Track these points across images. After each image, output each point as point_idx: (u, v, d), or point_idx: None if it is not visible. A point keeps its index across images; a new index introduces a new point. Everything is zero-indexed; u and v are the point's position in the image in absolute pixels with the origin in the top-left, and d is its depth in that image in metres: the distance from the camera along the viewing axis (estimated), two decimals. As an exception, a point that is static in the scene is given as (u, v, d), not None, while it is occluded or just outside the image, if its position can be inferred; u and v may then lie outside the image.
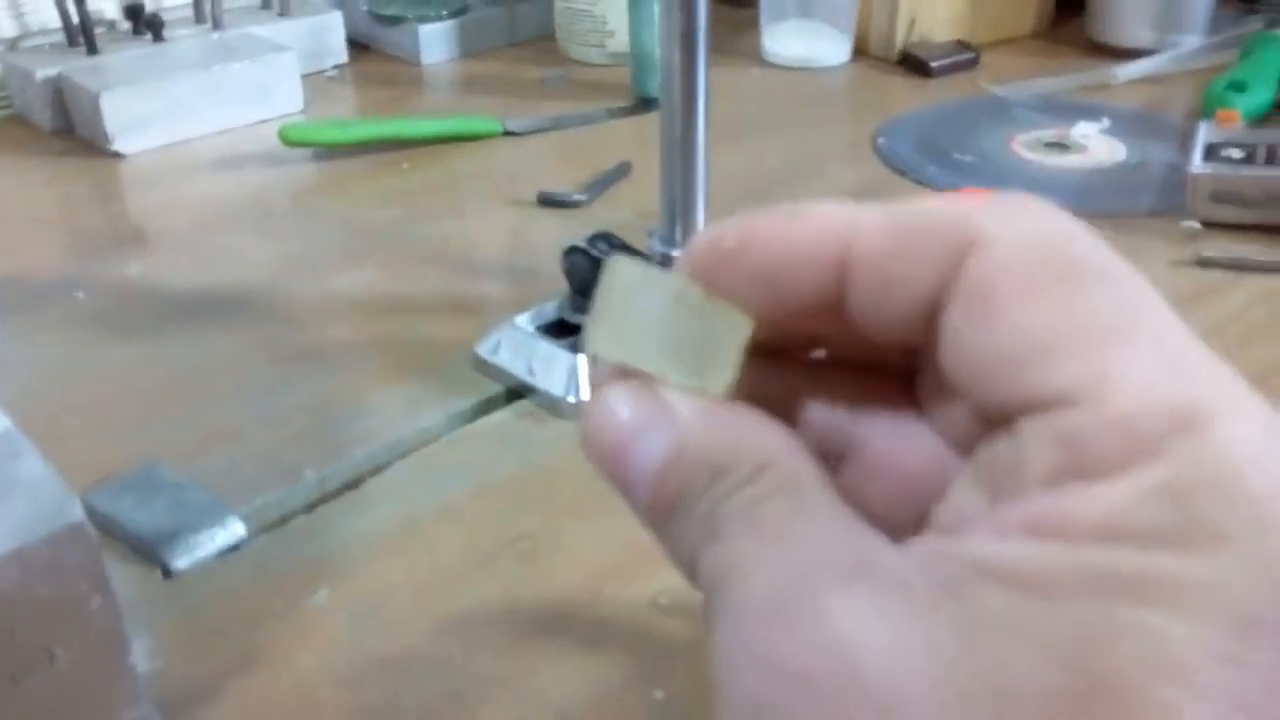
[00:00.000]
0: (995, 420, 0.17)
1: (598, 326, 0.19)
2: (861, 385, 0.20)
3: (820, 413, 0.20)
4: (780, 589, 0.16)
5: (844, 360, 0.21)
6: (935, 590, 0.15)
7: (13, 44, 0.82)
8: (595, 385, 0.20)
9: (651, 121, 0.79)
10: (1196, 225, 0.63)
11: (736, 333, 0.19)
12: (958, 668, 0.15)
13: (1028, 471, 0.16)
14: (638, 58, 0.83)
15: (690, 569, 0.18)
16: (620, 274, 0.19)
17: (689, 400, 0.18)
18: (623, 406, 0.19)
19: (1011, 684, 0.14)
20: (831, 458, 0.20)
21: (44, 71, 0.78)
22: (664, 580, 0.39)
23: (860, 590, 0.16)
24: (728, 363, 0.19)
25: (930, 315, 0.17)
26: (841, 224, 0.18)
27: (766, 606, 0.16)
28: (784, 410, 0.20)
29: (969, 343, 0.17)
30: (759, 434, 0.18)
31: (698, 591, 0.18)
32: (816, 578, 0.16)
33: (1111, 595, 0.14)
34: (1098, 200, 0.66)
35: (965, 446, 0.18)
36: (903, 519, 0.18)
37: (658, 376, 0.19)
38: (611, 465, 0.19)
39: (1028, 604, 0.15)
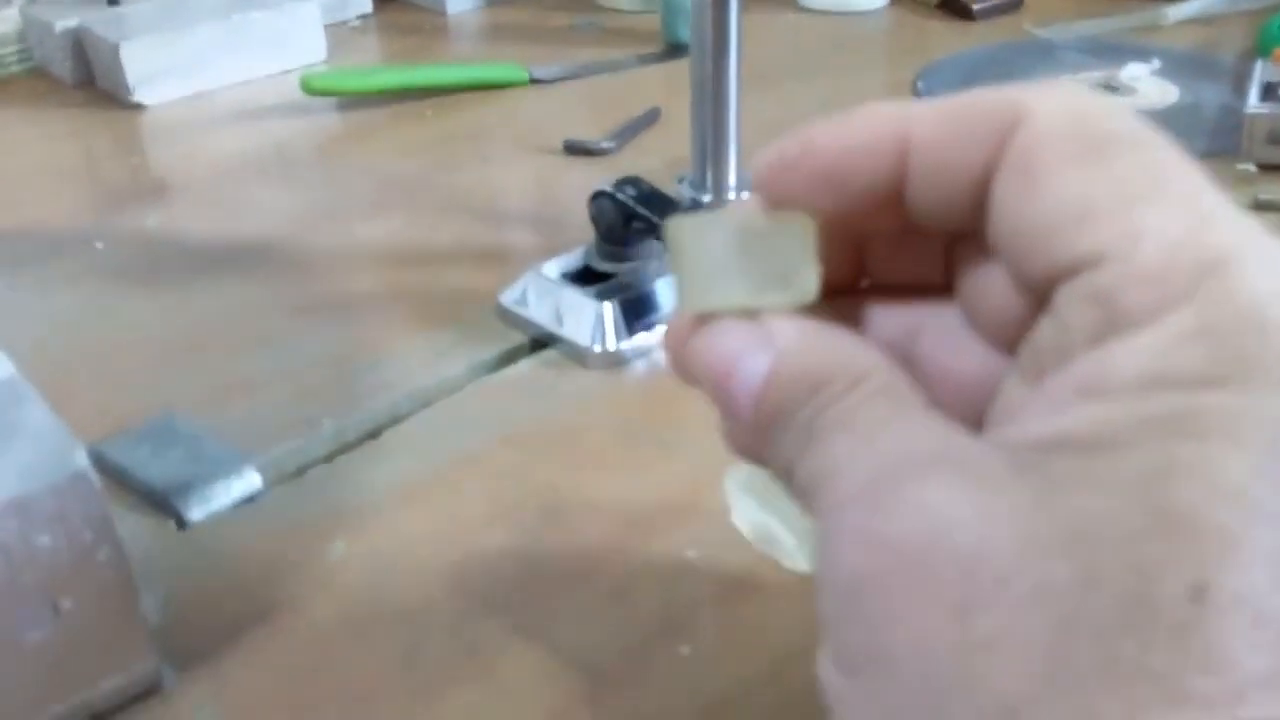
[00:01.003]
0: (1040, 294, 0.18)
1: (683, 290, 0.20)
2: (913, 306, 0.22)
3: (881, 335, 0.22)
4: (874, 476, 0.17)
5: (896, 286, 0.22)
6: (1011, 467, 0.16)
7: (33, -4, 0.81)
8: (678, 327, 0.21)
9: (681, 68, 0.77)
10: (1252, 168, 0.60)
11: (806, 234, 0.20)
12: (1036, 522, 0.16)
13: (1071, 337, 0.17)
14: (667, 3, 0.81)
15: (790, 478, 0.19)
16: (680, 231, 0.20)
17: (786, 321, 0.20)
18: (723, 329, 0.20)
19: (1087, 528, 0.15)
20: None
21: (64, 23, 0.77)
22: (690, 533, 0.38)
23: (946, 470, 0.17)
24: (808, 265, 0.20)
25: (981, 196, 0.18)
26: (896, 118, 0.19)
27: (862, 491, 0.17)
28: None
29: (1013, 212, 0.18)
30: (854, 349, 0.19)
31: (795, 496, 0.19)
32: (907, 464, 0.17)
33: (1167, 436, 0.15)
34: (1149, 144, 0.63)
35: (1012, 343, 0.19)
36: (963, 423, 0.19)
37: (753, 307, 0.20)
38: (717, 385, 0.20)
39: (1094, 460, 0.16)
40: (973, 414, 0.20)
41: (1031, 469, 0.16)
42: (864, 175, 0.20)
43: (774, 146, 0.20)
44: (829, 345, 0.19)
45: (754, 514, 0.36)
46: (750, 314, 0.20)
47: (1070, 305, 0.17)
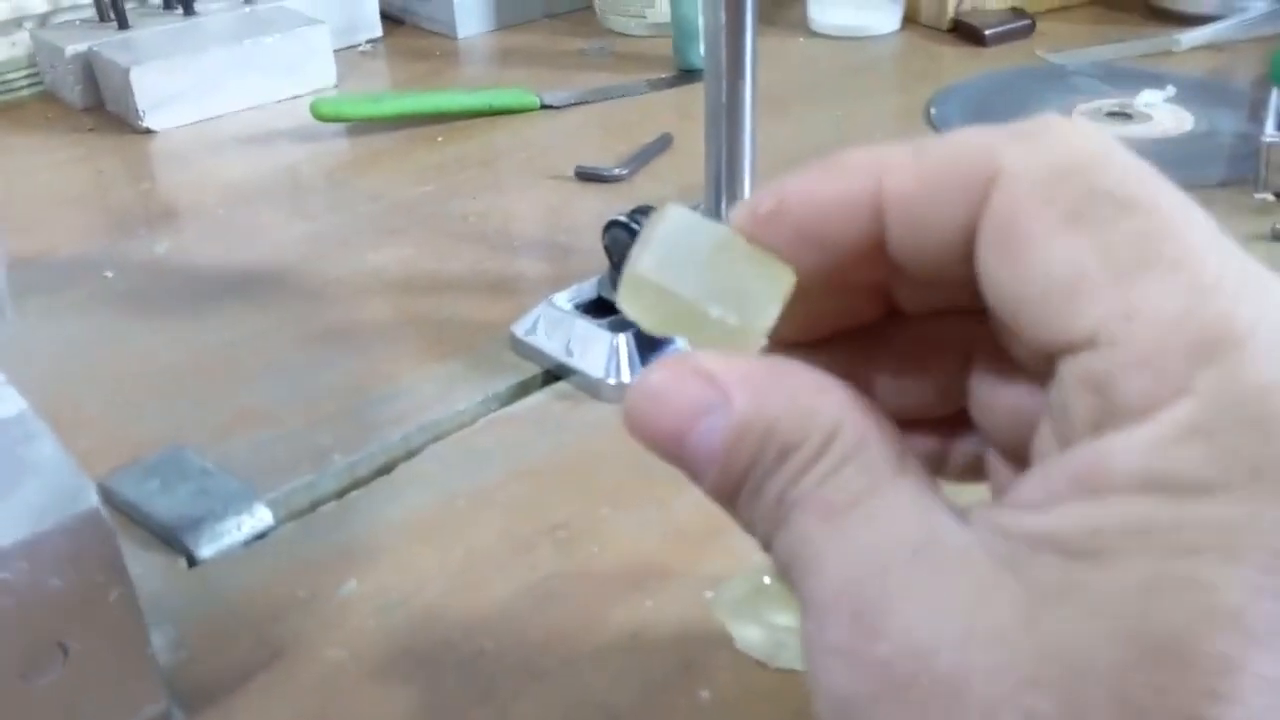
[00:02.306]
0: (1044, 362, 0.17)
1: (642, 252, 0.19)
2: (961, 330, 0.20)
3: (929, 362, 0.21)
4: (850, 578, 0.16)
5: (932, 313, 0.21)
6: (995, 567, 0.15)
7: (43, 20, 0.81)
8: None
9: (693, 93, 0.77)
10: (1270, 197, 0.60)
11: (781, 281, 0.19)
12: (1021, 646, 0.15)
13: (1072, 419, 0.16)
14: (679, 28, 0.80)
15: (765, 547, 0.18)
16: (671, 216, 0.19)
17: (739, 366, 0.18)
18: (672, 390, 0.18)
19: (1073, 656, 0.14)
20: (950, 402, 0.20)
21: (74, 47, 0.77)
22: (708, 572, 0.37)
23: (924, 570, 0.16)
24: (771, 307, 0.19)
25: (968, 253, 0.17)
26: (871, 169, 0.18)
27: (839, 598, 0.16)
28: (903, 371, 0.20)
29: (999, 284, 0.17)
30: (821, 396, 0.18)
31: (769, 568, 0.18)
32: (884, 560, 0.16)
33: (1158, 550, 0.14)
34: (1164, 172, 0.62)
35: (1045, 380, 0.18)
36: (1022, 447, 0.18)
37: (696, 306, 0.19)
38: (672, 452, 0.18)
39: (1083, 570, 0.15)
40: (1020, 443, 0.19)
41: (1019, 569, 0.15)
42: (840, 232, 0.18)
43: (748, 200, 0.19)
44: (791, 397, 0.17)
45: (755, 632, 0.34)
46: (689, 323, 0.19)
47: (1069, 387, 0.16)
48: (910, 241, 0.18)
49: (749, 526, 0.18)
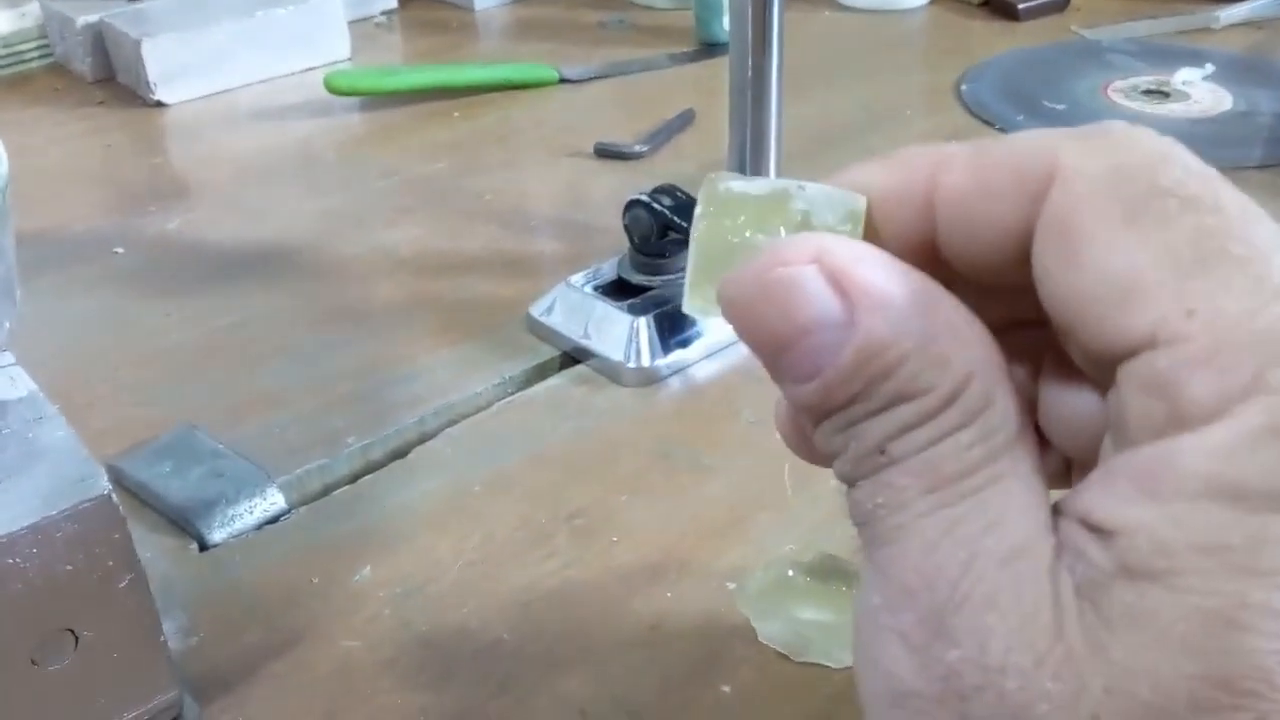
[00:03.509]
0: (1103, 367, 0.16)
1: (725, 180, 0.18)
2: (1026, 347, 0.19)
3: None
4: (935, 565, 0.15)
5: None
6: (1073, 590, 0.15)
7: (55, -10, 0.80)
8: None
9: (715, 68, 0.76)
10: (1311, 179, 0.58)
11: (856, 199, 0.18)
12: (1093, 684, 0.14)
13: (1131, 423, 0.15)
14: (702, 0, 0.79)
15: (841, 478, 0.17)
16: (726, 176, 0.18)
17: (877, 277, 0.16)
18: (793, 287, 0.16)
19: (1147, 696, 0.14)
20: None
21: (85, 18, 0.76)
22: (729, 563, 0.36)
23: (1010, 581, 0.15)
24: (855, 211, 0.18)
25: (1023, 255, 0.16)
26: (929, 165, 0.17)
27: (918, 585, 0.15)
28: None
29: (1056, 285, 0.16)
30: (957, 341, 0.16)
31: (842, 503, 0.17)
32: (974, 560, 0.15)
33: (1234, 572, 0.13)
34: (1202, 152, 0.60)
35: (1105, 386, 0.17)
36: (1093, 460, 0.17)
37: (776, 201, 0.17)
38: (769, 354, 0.16)
39: (1155, 597, 0.14)
40: (1091, 456, 0.18)
41: (1095, 593, 0.15)
42: (895, 227, 0.17)
43: None
44: (927, 336, 0.16)
45: (778, 625, 0.33)
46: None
47: (1129, 390, 0.15)
48: (963, 240, 0.17)
49: (825, 450, 0.17)
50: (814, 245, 0.16)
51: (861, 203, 0.18)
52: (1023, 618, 0.15)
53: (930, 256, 0.18)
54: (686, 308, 0.18)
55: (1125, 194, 0.15)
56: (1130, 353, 0.15)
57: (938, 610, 0.15)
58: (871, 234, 0.18)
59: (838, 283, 0.16)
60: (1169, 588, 0.14)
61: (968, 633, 0.15)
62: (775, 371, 0.17)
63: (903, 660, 0.15)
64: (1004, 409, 0.16)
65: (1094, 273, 0.15)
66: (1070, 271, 0.15)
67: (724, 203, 0.18)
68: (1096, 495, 0.15)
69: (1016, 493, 0.16)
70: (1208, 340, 0.14)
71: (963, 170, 0.17)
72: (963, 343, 0.16)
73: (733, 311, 0.16)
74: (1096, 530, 0.15)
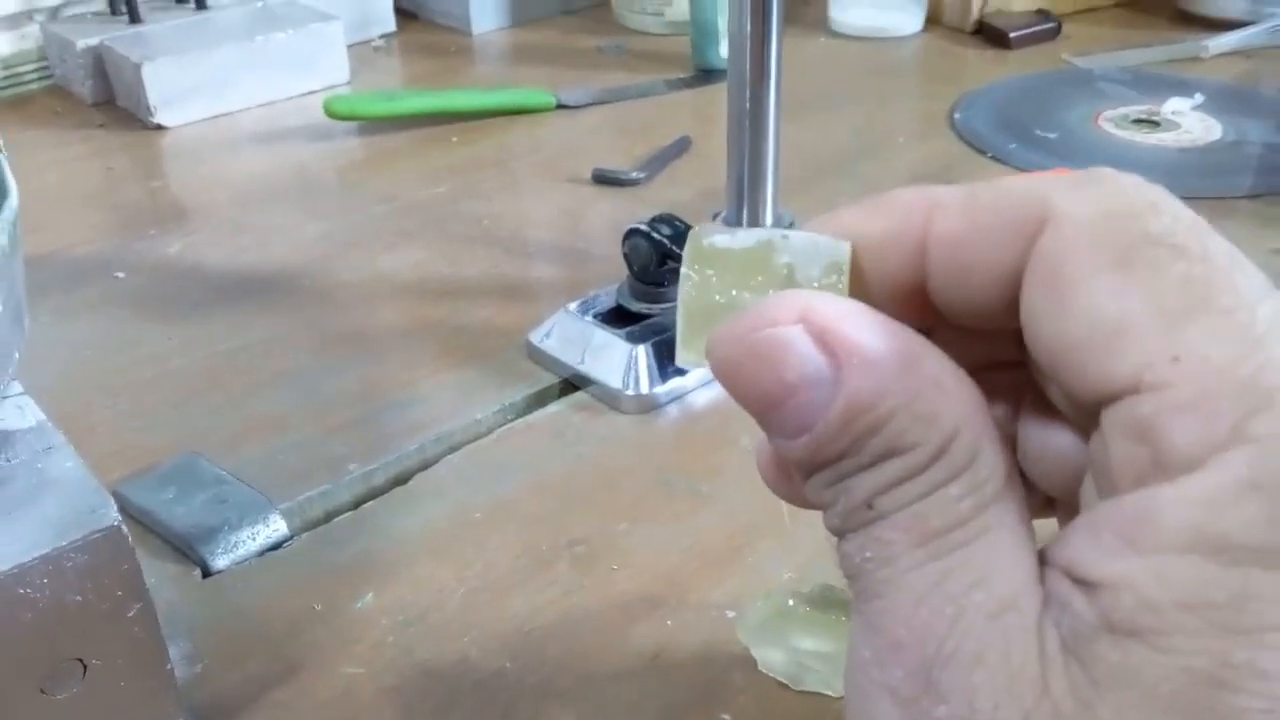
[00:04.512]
0: (1090, 412, 0.16)
1: (709, 234, 0.18)
2: (1007, 388, 0.19)
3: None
4: (924, 622, 0.15)
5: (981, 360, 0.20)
6: (1060, 646, 0.15)
7: (54, 13, 0.80)
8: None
9: (711, 94, 0.77)
10: (1298, 209, 0.59)
11: (840, 247, 0.18)
12: None
13: (1114, 468, 0.15)
14: (698, 27, 0.79)
15: (832, 531, 0.17)
16: (710, 228, 0.18)
17: (862, 331, 0.16)
18: (780, 346, 0.16)
19: None
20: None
21: (85, 41, 0.76)
22: (729, 591, 0.37)
23: (999, 637, 0.15)
24: (838, 262, 0.18)
25: (1012, 299, 0.17)
26: (922, 207, 0.17)
27: (907, 641, 0.15)
28: None
29: (1043, 328, 0.16)
30: (944, 395, 0.16)
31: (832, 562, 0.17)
32: (963, 615, 0.15)
33: (1218, 632, 0.13)
34: (1191, 181, 0.62)
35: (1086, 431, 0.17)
36: (1073, 499, 0.18)
37: (759, 256, 0.18)
38: (758, 412, 0.17)
39: (1139, 656, 0.14)
40: (1071, 495, 0.18)
41: (1080, 649, 0.15)
42: (886, 270, 0.18)
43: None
44: (914, 393, 0.16)
45: (778, 654, 0.34)
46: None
47: (1113, 435, 0.15)
48: (954, 283, 0.17)
49: (815, 502, 0.17)
50: (799, 304, 0.16)
51: (846, 252, 0.18)
52: (1010, 674, 0.15)
53: (916, 300, 0.18)
54: (680, 361, 0.19)
55: (1115, 240, 0.15)
56: (1114, 397, 0.15)
57: (926, 665, 0.15)
58: (857, 281, 0.18)
59: (824, 341, 0.16)
60: (1154, 647, 0.14)
61: (955, 689, 0.15)
62: (765, 427, 0.17)
63: (892, 715, 0.15)
64: (991, 460, 0.16)
65: (1082, 316, 0.15)
66: (1059, 314, 0.16)
67: (709, 259, 0.18)
68: (1080, 546, 0.15)
69: (1005, 545, 0.16)
70: (1192, 388, 0.14)
71: (957, 214, 0.17)
72: (949, 397, 0.16)
73: (721, 370, 0.17)
74: (1081, 582, 0.15)
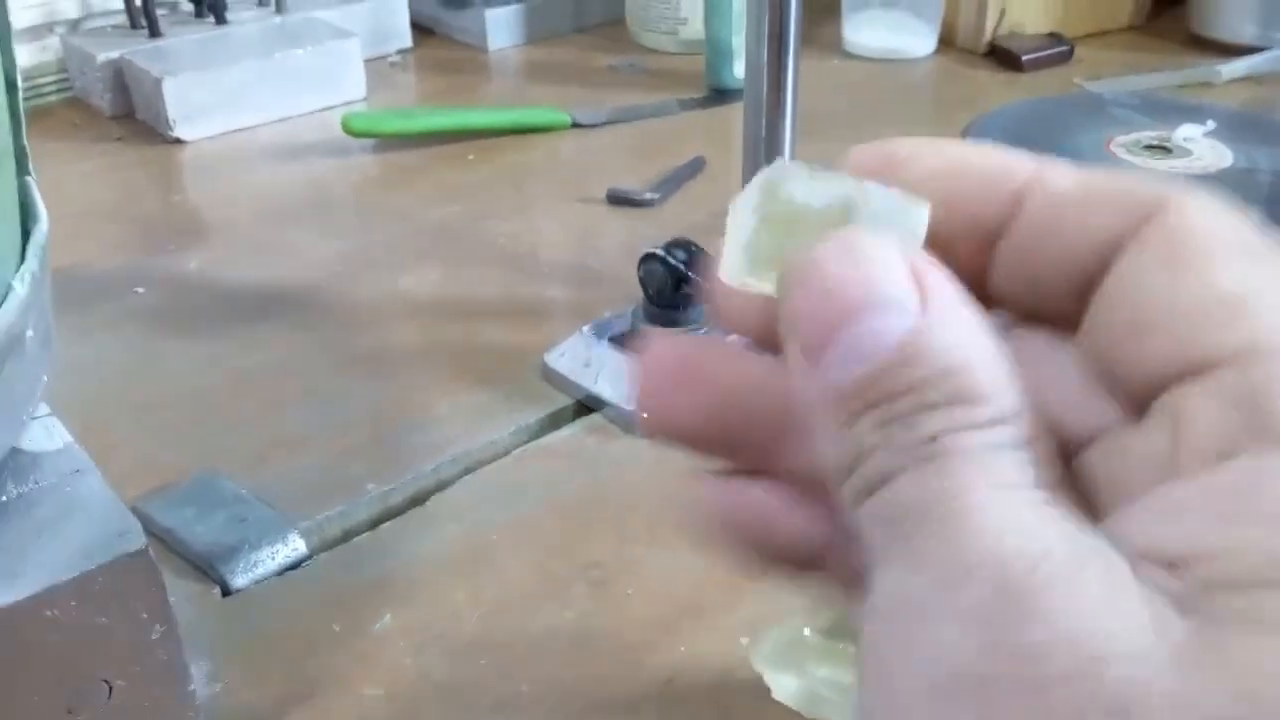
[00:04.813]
0: (1136, 399, 0.15)
1: (785, 178, 0.17)
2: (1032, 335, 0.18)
3: None
4: (1009, 548, 0.14)
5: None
6: (1167, 604, 0.13)
7: (74, 25, 0.81)
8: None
9: (725, 114, 0.77)
10: (1309, 238, 0.59)
11: (919, 204, 0.17)
12: (1215, 686, 0.12)
13: (1193, 444, 0.14)
14: (713, 46, 0.80)
15: (868, 477, 0.15)
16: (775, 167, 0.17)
17: (948, 282, 0.15)
18: (853, 261, 0.15)
19: (1267, 690, 0.12)
20: None
21: (105, 54, 0.77)
22: (744, 617, 0.37)
23: (1094, 573, 0.13)
24: (918, 219, 0.16)
25: (1092, 273, 0.16)
26: (1025, 163, 0.17)
27: (987, 562, 0.14)
28: None
29: (1143, 298, 0.15)
30: (1014, 379, 0.15)
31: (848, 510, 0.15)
32: (1050, 548, 0.14)
33: None
34: (1202, 209, 0.62)
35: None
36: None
37: (865, 223, 0.16)
38: (812, 338, 0.15)
39: (1264, 597, 0.13)
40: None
41: (1193, 607, 0.13)
42: (973, 206, 0.17)
43: (873, 144, 0.18)
44: (993, 354, 0.15)
45: (794, 684, 0.34)
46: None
47: (1199, 407, 0.14)
48: (1040, 243, 0.17)
49: (846, 453, 0.15)
50: (883, 239, 0.16)
51: (924, 219, 0.17)
52: (1120, 609, 0.13)
53: (979, 252, 0.17)
54: (729, 277, 0.17)
55: (1236, 234, 0.15)
56: (1220, 364, 0.14)
57: (1016, 589, 0.13)
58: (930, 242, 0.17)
59: (917, 275, 0.15)
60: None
61: (1055, 614, 0.13)
62: (822, 352, 0.15)
63: (961, 641, 0.13)
64: (1048, 450, 0.15)
65: (1203, 288, 0.15)
66: (1171, 284, 0.15)
67: (778, 213, 0.17)
68: (1162, 529, 0.14)
69: (1073, 516, 0.15)
70: None
71: (1068, 179, 0.17)
72: (1018, 383, 0.15)
73: (805, 273, 0.16)
74: (1171, 565, 0.14)
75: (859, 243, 0.16)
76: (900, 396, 0.15)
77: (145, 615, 0.30)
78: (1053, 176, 0.17)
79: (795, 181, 0.17)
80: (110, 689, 0.30)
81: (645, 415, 0.18)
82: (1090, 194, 0.16)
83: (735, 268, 0.17)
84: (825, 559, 0.18)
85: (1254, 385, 0.14)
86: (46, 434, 0.32)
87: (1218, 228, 0.15)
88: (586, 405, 0.48)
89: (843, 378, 0.15)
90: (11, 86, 0.31)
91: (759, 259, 0.17)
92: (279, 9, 0.83)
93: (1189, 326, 0.15)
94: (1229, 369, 0.14)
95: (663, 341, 0.18)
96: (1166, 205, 0.16)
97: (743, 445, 0.18)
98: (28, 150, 0.34)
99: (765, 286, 0.17)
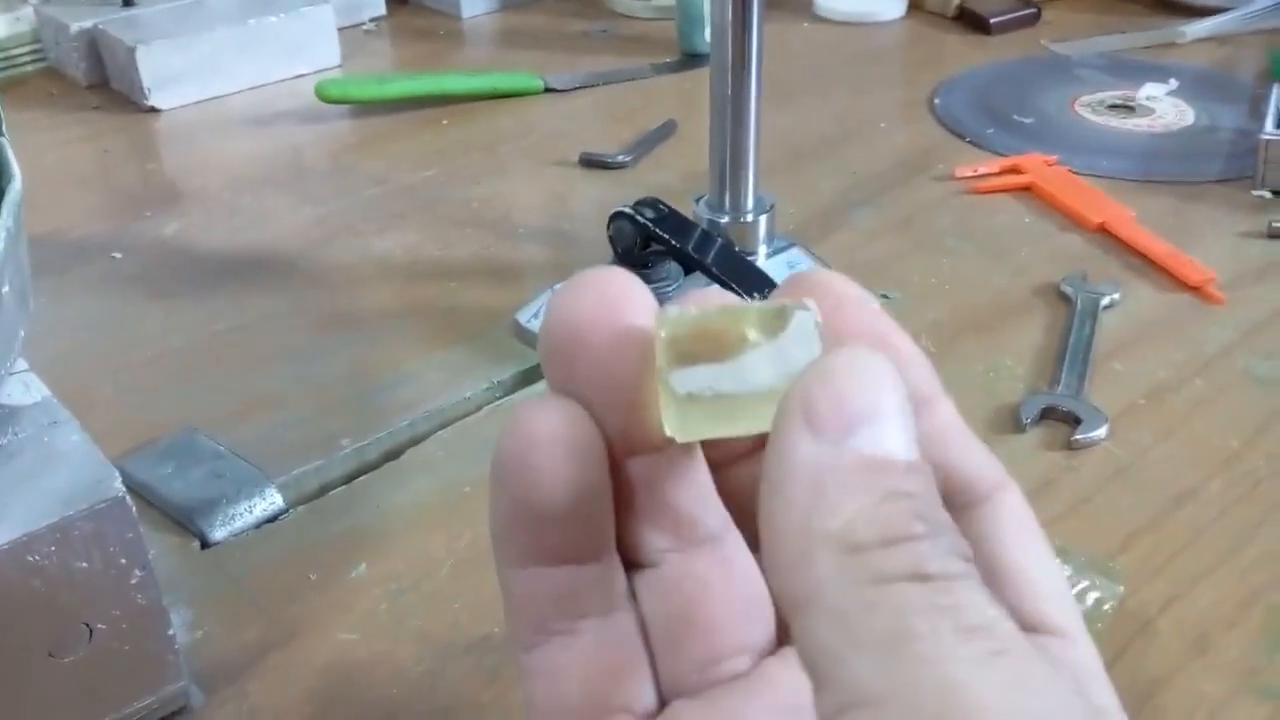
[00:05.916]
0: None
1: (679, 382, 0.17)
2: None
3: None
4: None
5: None
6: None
7: (49, -5, 0.81)
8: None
9: (697, 79, 0.78)
10: (1267, 194, 0.60)
11: (805, 313, 0.17)
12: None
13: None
14: (684, 12, 0.81)
15: (783, 607, 0.15)
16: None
17: (913, 448, 0.15)
18: (872, 364, 0.16)
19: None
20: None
21: (79, 24, 0.77)
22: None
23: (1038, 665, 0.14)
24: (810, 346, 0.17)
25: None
26: None
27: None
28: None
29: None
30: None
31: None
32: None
33: None
34: (1164, 166, 0.64)
35: None
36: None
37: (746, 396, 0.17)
38: (832, 438, 0.15)
39: None
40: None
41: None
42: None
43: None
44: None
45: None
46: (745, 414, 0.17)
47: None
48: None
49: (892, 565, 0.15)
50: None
51: (812, 321, 0.17)
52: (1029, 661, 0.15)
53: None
54: (676, 432, 0.17)
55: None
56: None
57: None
58: None
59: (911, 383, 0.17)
60: None
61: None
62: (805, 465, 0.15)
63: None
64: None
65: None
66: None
67: (689, 334, 0.17)
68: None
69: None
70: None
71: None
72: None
73: (799, 400, 0.16)
74: None
75: (856, 355, 0.16)
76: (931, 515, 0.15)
77: (124, 560, 0.31)
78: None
79: (686, 317, 0.17)
80: (91, 632, 0.31)
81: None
82: None
83: (681, 425, 0.17)
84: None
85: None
86: (24, 388, 0.33)
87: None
88: (558, 362, 0.49)
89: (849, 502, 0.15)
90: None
91: (702, 408, 0.17)
92: (252, -23, 0.83)
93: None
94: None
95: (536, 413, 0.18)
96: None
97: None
98: (0, 114, 0.34)
99: (725, 431, 0.18)
